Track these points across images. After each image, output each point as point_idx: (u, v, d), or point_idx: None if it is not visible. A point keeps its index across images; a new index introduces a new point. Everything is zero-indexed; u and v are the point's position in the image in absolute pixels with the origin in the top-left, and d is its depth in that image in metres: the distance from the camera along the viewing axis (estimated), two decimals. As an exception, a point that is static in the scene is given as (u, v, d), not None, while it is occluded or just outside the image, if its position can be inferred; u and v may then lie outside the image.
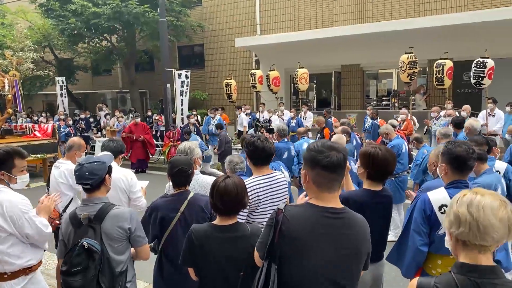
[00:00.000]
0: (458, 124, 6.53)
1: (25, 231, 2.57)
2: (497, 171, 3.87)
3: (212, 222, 2.14)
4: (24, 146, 9.64)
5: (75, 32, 15.34)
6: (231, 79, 11.72)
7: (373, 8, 13.54)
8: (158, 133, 13.73)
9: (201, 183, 3.14)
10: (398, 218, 5.53)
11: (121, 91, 20.05)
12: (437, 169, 3.02)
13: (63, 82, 16.29)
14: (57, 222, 3.40)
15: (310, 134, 10.59)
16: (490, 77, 7.55)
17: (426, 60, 12.34)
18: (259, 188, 2.75)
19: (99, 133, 14.30)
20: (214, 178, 2.48)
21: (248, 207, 2.67)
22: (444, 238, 1.54)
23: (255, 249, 1.86)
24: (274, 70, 11.08)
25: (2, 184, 2.65)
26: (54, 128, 11.25)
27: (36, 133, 11.32)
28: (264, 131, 6.66)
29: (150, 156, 11.64)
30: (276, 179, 2.87)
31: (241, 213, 2.56)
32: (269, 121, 10.02)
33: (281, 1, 15.24)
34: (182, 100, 12.47)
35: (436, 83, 8.61)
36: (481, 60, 7.54)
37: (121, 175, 3.34)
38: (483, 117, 8.46)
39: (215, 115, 11.74)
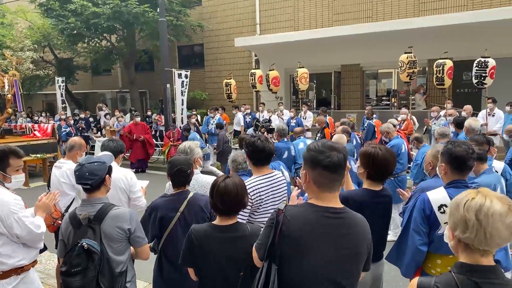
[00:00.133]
0: (459, 123, 6.53)
1: (14, 231, 2.52)
2: (495, 171, 3.88)
3: (212, 222, 2.14)
4: (24, 146, 9.64)
5: (75, 31, 15.33)
6: (230, 78, 11.71)
7: (372, 8, 13.54)
8: (158, 133, 13.73)
9: (201, 182, 3.14)
10: (398, 217, 5.53)
11: (121, 91, 20.04)
12: (433, 169, 3.03)
13: (62, 82, 16.28)
14: (59, 222, 3.39)
15: (309, 134, 10.64)
16: (492, 76, 7.55)
17: (425, 60, 12.35)
18: (261, 188, 2.75)
19: (99, 132, 14.30)
20: (214, 177, 2.49)
21: (250, 207, 2.67)
22: (444, 238, 1.53)
23: (254, 249, 1.86)
24: (273, 70, 11.07)
25: None
26: (54, 128, 11.25)
27: (36, 133, 11.31)
28: (265, 131, 6.66)
29: (150, 156, 11.65)
30: (276, 179, 2.88)
31: (242, 213, 2.57)
32: (269, 120, 10.01)
33: (281, 0, 15.24)
34: (182, 100, 12.46)
35: (436, 82, 8.61)
36: (483, 59, 7.54)
37: (121, 174, 3.34)
38: (483, 117, 8.45)
39: (215, 115, 11.75)
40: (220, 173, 8.91)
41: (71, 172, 3.59)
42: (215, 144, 10.44)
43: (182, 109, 12.48)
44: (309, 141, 6.05)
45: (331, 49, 13.21)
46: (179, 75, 12.20)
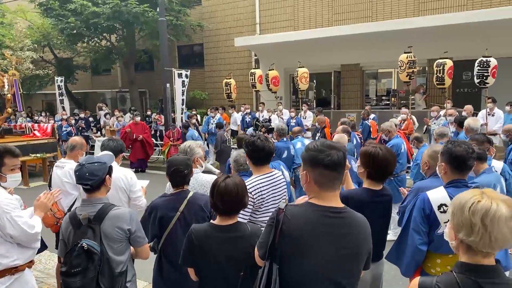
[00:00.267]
0: (461, 123, 6.52)
1: (7, 231, 2.48)
2: (495, 170, 3.88)
3: (212, 222, 2.13)
4: (24, 145, 9.64)
5: (75, 31, 15.31)
6: (230, 78, 11.71)
7: (372, 7, 13.54)
8: (158, 132, 13.73)
9: (201, 182, 3.14)
10: (397, 217, 5.53)
11: (121, 91, 20.03)
12: (429, 169, 3.03)
13: (61, 82, 16.27)
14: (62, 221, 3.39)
15: (309, 133, 10.64)
16: (494, 76, 7.56)
17: (425, 59, 12.35)
18: (262, 187, 2.75)
19: (99, 132, 14.30)
20: (214, 177, 2.49)
21: (251, 206, 2.67)
22: (444, 236, 1.53)
23: (256, 248, 1.86)
24: (273, 69, 11.07)
25: None
26: (54, 128, 11.25)
27: (36, 132, 11.31)
28: (265, 131, 6.66)
29: (149, 156, 11.65)
30: (276, 178, 2.88)
31: (243, 212, 2.57)
32: (269, 120, 10.02)
33: (280, 0, 15.24)
34: (182, 99, 12.46)
35: (437, 82, 8.62)
36: (484, 59, 7.54)
37: (121, 174, 3.34)
38: (483, 117, 8.45)
39: (215, 115, 11.76)
40: (216, 170, 8.91)
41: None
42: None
43: (182, 108, 12.48)
44: (307, 141, 6.05)
45: (331, 49, 13.21)
46: (179, 75, 12.20)
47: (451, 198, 2.35)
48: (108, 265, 2.22)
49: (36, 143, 10.41)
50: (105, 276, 2.19)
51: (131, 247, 2.43)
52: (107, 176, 2.38)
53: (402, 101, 13.65)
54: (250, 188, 2.64)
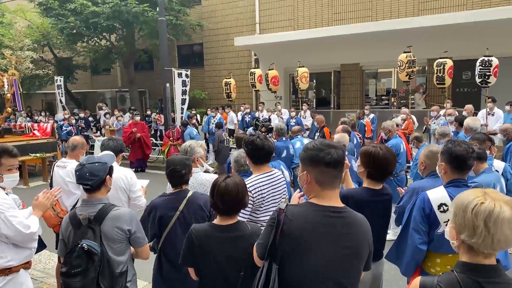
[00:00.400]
0: (462, 122, 6.52)
1: (1, 231, 2.44)
2: (496, 170, 3.88)
3: (212, 222, 2.13)
4: (23, 145, 9.64)
5: (74, 31, 15.29)
6: (230, 78, 11.71)
7: (372, 7, 13.54)
8: (158, 132, 13.72)
9: (200, 181, 3.14)
10: (394, 216, 5.52)
11: (121, 90, 20.01)
12: (426, 168, 3.03)
13: (61, 81, 16.26)
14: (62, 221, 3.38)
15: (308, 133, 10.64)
16: (496, 75, 7.57)
17: (425, 59, 12.35)
18: (262, 186, 2.74)
19: (98, 132, 14.30)
20: (213, 176, 2.48)
21: (251, 206, 2.67)
22: (444, 235, 1.53)
23: (254, 249, 1.86)
24: (273, 69, 11.07)
25: None
26: (54, 128, 11.24)
27: (36, 132, 11.30)
28: (265, 130, 6.65)
29: (148, 156, 11.65)
30: (276, 177, 2.88)
31: (243, 211, 2.57)
32: (269, 120, 10.03)
33: (280, 0, 15.23)
34: (183, 99, 12.45)
35: (437, 82, 8.63)
36: (486, 58, 7.55)
37: (121, 174, 3.33)
38: (483, 117, 8.45)
39: (216, 114, 11.76)
40: (211, 168, 8.91)
41: None
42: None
43: (183, 108, 12.48)
44: (306, 140, 6.05)
45: (331, 49, 13.21)
46: (179, 75, 12.20)
47: (451, 197, 2.35)
48: (108, 266, 2.21)
49: (35, 143, 10.40)
50: (105, 276, 2.19)
51: (131, 247, 2.43)
52: (108, 176, 2.37)
53: (402, 101, 13.64)
54: (250, 187, 2.64)
